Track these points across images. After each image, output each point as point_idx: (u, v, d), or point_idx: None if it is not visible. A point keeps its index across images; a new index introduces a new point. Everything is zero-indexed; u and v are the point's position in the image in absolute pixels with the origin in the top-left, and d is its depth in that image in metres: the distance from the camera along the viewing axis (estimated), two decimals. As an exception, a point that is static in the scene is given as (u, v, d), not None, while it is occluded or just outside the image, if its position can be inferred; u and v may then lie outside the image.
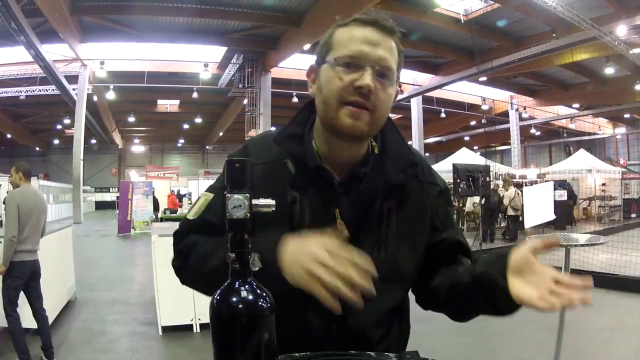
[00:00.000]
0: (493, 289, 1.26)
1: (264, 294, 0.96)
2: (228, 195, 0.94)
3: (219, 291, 0.96)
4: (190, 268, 1.39)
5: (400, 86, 1.45)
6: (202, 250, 1.36)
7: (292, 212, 1.38)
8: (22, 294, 5.74)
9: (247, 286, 0.95)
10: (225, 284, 0.96)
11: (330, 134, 1.40)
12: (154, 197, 25.53)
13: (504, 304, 1.26)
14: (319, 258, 1.09)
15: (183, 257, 1.42)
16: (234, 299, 0.93)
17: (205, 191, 1.56)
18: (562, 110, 38.62)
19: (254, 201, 0.95)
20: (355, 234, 1.36)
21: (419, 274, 1.50)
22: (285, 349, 1.25)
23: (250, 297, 0.94)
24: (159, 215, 24.65)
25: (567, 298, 1.11)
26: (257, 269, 0.97)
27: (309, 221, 1.37)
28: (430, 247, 1.50)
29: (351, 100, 1.31)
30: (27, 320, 6.23)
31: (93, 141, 45.37)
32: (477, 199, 16.35)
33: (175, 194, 28.94)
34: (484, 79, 28.63)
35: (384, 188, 1.42)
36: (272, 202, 1.00)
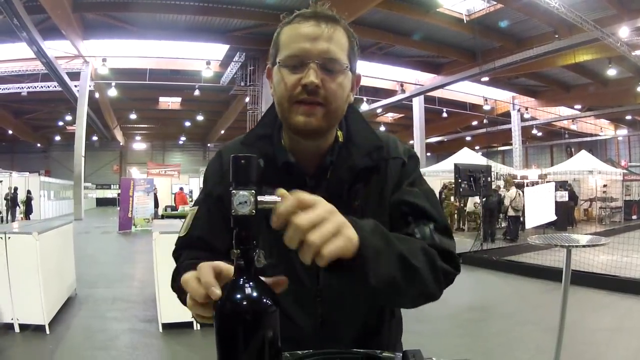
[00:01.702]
0: None
1: (269, 291, 0.96)
2: (234, 191, 0.94)
3: (222, 288, 0.96)
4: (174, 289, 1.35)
5: (355, 74, 1.43)
6: (175, 275, 1.34)
7: (267, 211, 1.37)
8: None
9: (251, 283, 0.94)
10: (230, 280, 0.96)
11: (291, 132, 1.41)
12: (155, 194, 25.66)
13: None
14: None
15: (172, 280, 1.40)
16: (238, 296, 0.93)
17: (192, 206, 1.57)
18: (563, 111, 38.65)
19: (260, 197, 0.95)
20: None
21: None
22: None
23: (255, 294, 0.93)
24: (159, 212, 24.69)
25: None
26: (261, 265, 0.97)
27: None
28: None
29: (301, 99, 1.31)
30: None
31: (94, 138, 45.38)
32: (478, 199, 16.35)
33: (182, 192, 29.00)
34: (486, 79, 28.66)
35: (349, 174, 1.41)
36: (278, 198, 1.00)
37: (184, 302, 1.11)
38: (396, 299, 1.25)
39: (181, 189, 29.23)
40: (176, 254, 1.51)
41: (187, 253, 1.46)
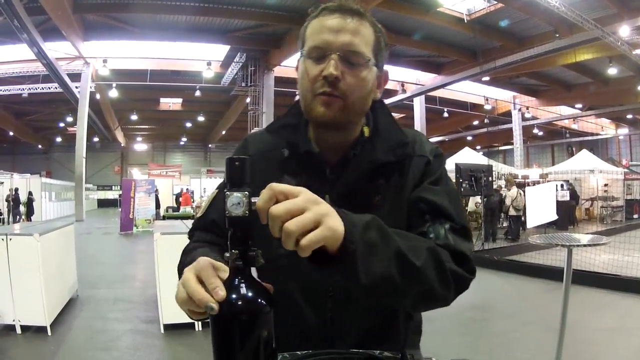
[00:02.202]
0: None
1: (264, 291, 0.97)
2: (227, 193, 0.94)
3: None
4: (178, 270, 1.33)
5: (382, 71, 1.44)
6: (184, 258, 1.34)
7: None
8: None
9: (247, 283, 0.95)
10: (225, 281, 0.97)
11: (312, 123, 1.43)
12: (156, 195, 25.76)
13: None
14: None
15: (181, 257, 1.40)
16: (234, 296, 0.93)
17: (215, 188, 1.58)
18: (564, 110, 38.63)
19: (253, 199, 0.96)
20: None
21: None
22: (282, 344, 1.26)
23: (250, 294, 0.94)
24: (161, 213, 24.72)
25: None
26: (259, 265, 0.97)
27: None
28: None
29: (321, 91, 1.32)
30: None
31: (95, 139, 45.41)
32: (479, 198, 16.34)
33: (187, 192, 29.13)
34: (486, 78, 28.65)
35: (369, 168, 1.40)
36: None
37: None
38: (393, 299, 1.18)
39: (187, 189, 29.39)
40: (190, 233, 1.55)
41: (199, 234, 1.50)
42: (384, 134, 1.46)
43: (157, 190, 25.76)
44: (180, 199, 28.49)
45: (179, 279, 1.16)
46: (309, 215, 0.94)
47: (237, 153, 1.55)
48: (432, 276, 1.14)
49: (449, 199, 1.38)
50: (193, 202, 27.36)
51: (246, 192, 0.94)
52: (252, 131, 1.62)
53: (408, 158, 1.44)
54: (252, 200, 0.94)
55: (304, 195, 0.97)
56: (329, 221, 0.97)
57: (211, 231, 1.47)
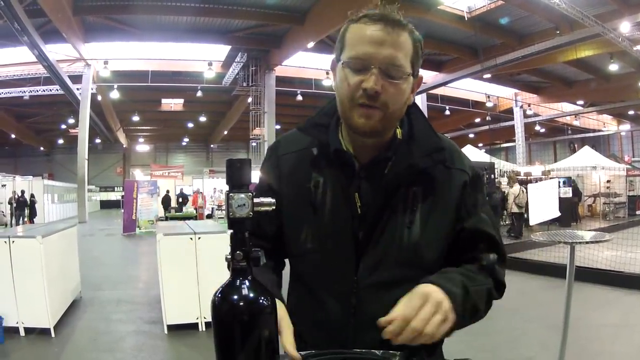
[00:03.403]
0: None
1: (266, 292, 0.97)
2: (231, 194, 0.95)
3: (220, 289, 0.97)
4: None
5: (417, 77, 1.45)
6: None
7: (314, 195, 1.44)
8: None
9: (251, 284, 0.96)
10: (227, 281, 0.97)
11: (348, 128, 1.44)
12: (167, 195, 26.04)
13: None
14: None
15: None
16: (238, 297, 0.94)
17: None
18: (566, 107, 38.63)
19: (256, 200, 0.96)
20: (376, 219, 1.40)
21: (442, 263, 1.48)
22: (306, 337, 1.34)
23: (254, 295, 0.95)
24: (165, 214, 24.85)
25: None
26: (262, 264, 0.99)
27: (330, 204, 1.42)
28: (453, 236, 1.48)
29: (361, 102, 1.33)
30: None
31: (97, 140, 45.47)
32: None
33: (197, 193, 29.36)
34: (488, 76, 28.60)
35: (408, 173, 1.42)
36: (273, 200, 1.01)
37: None
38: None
39: (197, 190, 29.70)
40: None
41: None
42: (420, 137, 1.48)
43: (168, 191, 27.02)
44: (190, 198, 28.78)
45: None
46: (437, 318, 1.19)
47: (268, 155, 1.61)
48: (484, 312, 1.43)
49: (495, 229, 1.54)
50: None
51: (250, 194, 0.95)
52: (255, 134, 1.66)
53: (446, 168, 1.47)
54: (255, 201, 0.95)
55: (432, 302, 1.21)
56: (450, 315, 1.22)
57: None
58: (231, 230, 0.97)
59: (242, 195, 0.95)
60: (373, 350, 1.29)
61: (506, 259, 1.53)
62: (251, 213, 0.95)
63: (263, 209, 1.00)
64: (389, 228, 1.40)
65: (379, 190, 1.41)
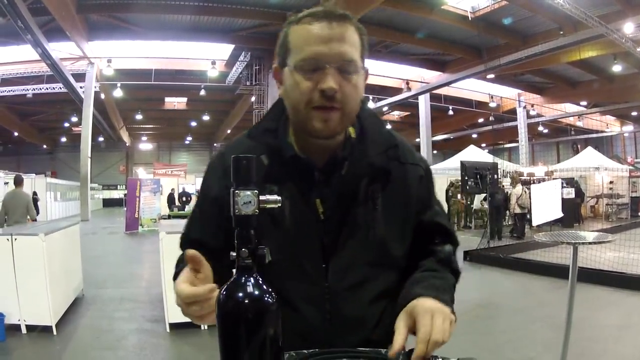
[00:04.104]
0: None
1: (270, 290, 0.97)
2: (237, 192, 0.95)
3: (225, 286, 0.97)
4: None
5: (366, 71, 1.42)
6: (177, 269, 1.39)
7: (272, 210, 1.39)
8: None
9: (254, 281, 0.95)
10: (232, 279, 0.97)
11: (304, 134, 1.40)
12: (171, 194, 26.11)
13: None
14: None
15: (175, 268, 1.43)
16: (241, 294, 0.94)
17: (195, 206, 1.61)
18: (569, 107, 38.59)
19: (262, 197, 0.96)
20: (340, 221, 1.39)
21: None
22: (284, 346, 1.28)
23: (259, 292, 0.95)
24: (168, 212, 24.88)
25: None
26: (267, 262, 0.99)
27: (290, 213, 1.37)
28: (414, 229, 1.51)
29: (318, 104, 1.30)
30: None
31: (100, 139, 45.43)
32: (484, 196, 16.34)
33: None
34: (491, 76, 28.54)
35: (367, 171, 1.41)
36: (279, 197, 1.01)
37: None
38: None
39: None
40: (181, 249, 1.52)
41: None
42: (373, 134, 1.47)
43: (172, 190, 27.26)
44: (193, 197, 28.88)
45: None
46: (447, 325, 1.22)
47: (213, 164, 1.54)
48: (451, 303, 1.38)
49: (446, 218, 1.62)
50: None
51: (256, 191, 0.95)
52: (233, 139, 1.62)
53: (400, 164, 1.48)
54: (261, 198, 0.96)
55: (439, 316, 1.23)
56: (452, 317, 1.27)
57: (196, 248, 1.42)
58: (237, 228, 0.97)
59: (248, 193, 0.95)
60: (377, 349, 1.29)
61: (458, 245, 1.61)
62: (257, 210, 0.95)
63: (269, 206, 1.00)
64: (353, 229, 1.40)
65: (339, 192, 1.40)
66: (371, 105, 32.26)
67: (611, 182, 24.63)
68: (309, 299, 1.39)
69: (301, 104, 1.32)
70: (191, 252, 1.11)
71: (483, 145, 40.86)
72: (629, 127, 44.06)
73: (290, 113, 1.40)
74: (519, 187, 17.03)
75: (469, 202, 20.82)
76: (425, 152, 33.30)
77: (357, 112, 1.40)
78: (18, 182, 10.78)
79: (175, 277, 1.31)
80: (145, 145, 56.42)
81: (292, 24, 1.36)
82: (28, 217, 10.38)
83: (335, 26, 1.30)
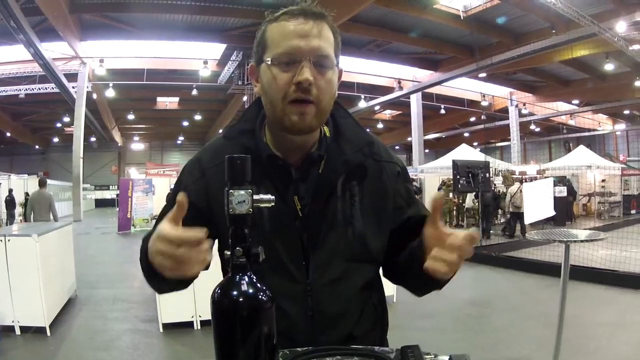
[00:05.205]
0: (419, 263, 1.29)
1: (264, 288, 0.98)
2: (231, 191, 0.96)
3: (220, 285, 0.98)
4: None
5: (340, 69, 1.46)
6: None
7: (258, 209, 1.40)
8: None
9: (250, 279, 0.96)
10: (226, 277, 0.98)
11: (280, 131, 1.43)
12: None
13: (427, 277, 1.27)
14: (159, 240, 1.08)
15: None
16: (236, 292, 0.95)
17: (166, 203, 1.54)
18: (561, 106, 38.66)
19: (255, 196, 0.97)
20: (318, 219, 1.42)
21: (388, 252, 1.53)
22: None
23: (254, 290, 0.96)
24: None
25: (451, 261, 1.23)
26: (261, 260, 0.99)
27: (268, 213, 1.38)
28: (398, 226, 1.53)
29: (294, 97, 1.33)
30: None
31: (93, 139, 45.22)
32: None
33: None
34: (483, 75, 28.55)
35: (343, 169, 1.44)
36: (272, 197, 1.02)
37: (155, 274, 1.18)
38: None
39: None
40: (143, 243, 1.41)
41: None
42: (348, 133, 1.51)
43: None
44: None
45: (143, 267, 1.31)
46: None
47: (190, 168, 1.55)
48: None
49: (426, 210, 1.58)
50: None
51: (250, 190, 0.96)
52: (209, 142, 1.61)
53: (375, 162, 1.52)
54: (255, 198, 0.96)
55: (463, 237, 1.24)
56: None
57: None
58: (231, 227, 0.98)
59: (242, 192, 0.96)
60: (370, 347, 1.30)
61: None
62: (251, 210, 0.96)
63: (263, 205, 1.01)
64: (332, 225, 1.42)
65: (316, 190, 1.43)
66: (363, 104, 32.41)
67: (603, 181, 24.73)
68: (290, 296, 1.41)
69: (278, 98, 1.35)
70: (182, 196, 1.07)
71: (475, 144, 41.00)
72: (621, 126, 44.21)
73: (267, 110, 1.43)
74: (515, 186, 17.07)
75: (460, 201, 20.85)
76: (417, 150, 33.36)
77: (330, 108, 1.43)
78: (42, 183, 12.81)
79: (144, 253, 1.29)
80: (138, 146, 56.24)
81: (270, 22, 1.40)
82: (51, 216, 12.04)
83: (311, 23, 1.34)
